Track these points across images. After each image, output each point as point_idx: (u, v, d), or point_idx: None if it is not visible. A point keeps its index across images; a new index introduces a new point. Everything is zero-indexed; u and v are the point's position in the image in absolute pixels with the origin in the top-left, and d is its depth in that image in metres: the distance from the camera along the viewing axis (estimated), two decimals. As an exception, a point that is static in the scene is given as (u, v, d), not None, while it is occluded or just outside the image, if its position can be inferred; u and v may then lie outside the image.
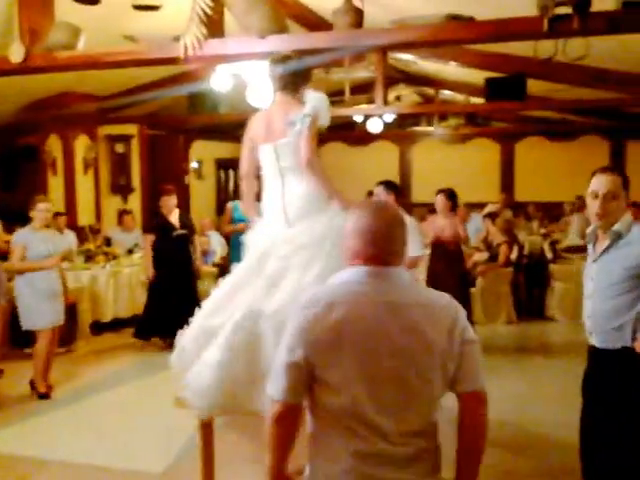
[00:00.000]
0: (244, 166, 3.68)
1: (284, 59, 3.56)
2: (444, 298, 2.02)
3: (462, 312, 2.00)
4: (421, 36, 4.17)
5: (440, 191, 6.69)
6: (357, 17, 4.44)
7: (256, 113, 3.69)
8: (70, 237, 8.41)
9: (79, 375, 6.65)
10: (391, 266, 1.97)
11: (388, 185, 5.83)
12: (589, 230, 3.19)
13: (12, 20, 5.23)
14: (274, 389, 1.98)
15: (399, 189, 6.03)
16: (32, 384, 5.91)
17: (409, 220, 5.67)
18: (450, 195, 6.66)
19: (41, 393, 5.87)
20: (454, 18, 4.03)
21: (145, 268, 7.54)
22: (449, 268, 6.45)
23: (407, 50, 7.72)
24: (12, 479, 4.36)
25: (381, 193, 5.72)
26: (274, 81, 3.57)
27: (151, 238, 7.39)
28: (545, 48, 4.00)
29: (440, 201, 6.58)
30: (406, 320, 1.90)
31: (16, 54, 4.80)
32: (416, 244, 5.45)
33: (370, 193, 11.65)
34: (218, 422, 3.44)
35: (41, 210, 5.72)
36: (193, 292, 7.46)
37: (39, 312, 5.77)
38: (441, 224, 6.59)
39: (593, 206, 3.03)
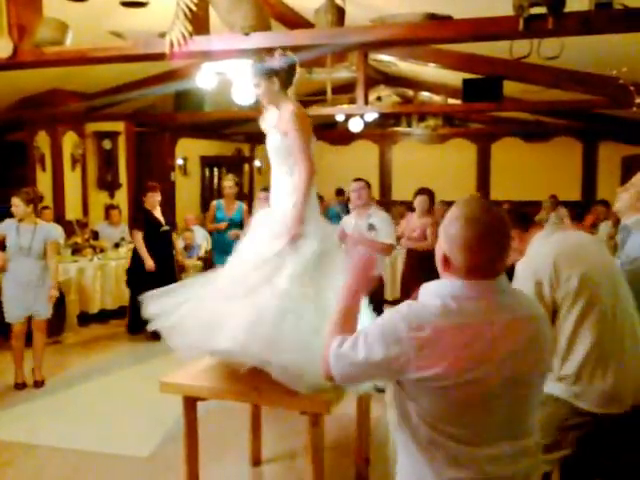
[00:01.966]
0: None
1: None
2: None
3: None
4: (401, 34, 4.19)
5: (422, 191, 6.73)
6: (339, 15, 4.52)
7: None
8: (58, 230, 8.51)
9: (67, 364, 6.75)
10: (496, 277, 1.77)
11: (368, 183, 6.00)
12: None
13: (0, 16, 5.32)
14: (339, 369, 1.85)
15: None
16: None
17: (384, 214, 5.88)
18: (432, 196, 6.75)
19: (16, 383, 5.97)
20: (432, 17, 4.14)
21: (146, 262, 7.53)
22: (419, 268, 6.45)
23: (387, 48, 7.86)
24: (-2, 463, 4.45)
25: (362, 188, 5.86)
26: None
27: (141, 234, 7.52)
28: (521, 50, 4.12)
29: (422, 202, 6.62)
30: (517, 341, 1.74)
31: (4, 49, 4.83)
32: (390, 234, 5.66)
33: (340, 191, 11.84)
34: (202, 408, 3.51)
35: (12, 205, 5.89)
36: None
37: (11, 304, 5.91)
38: (416, 224, 6.65)
39: None
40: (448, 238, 1.76)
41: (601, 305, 2.69)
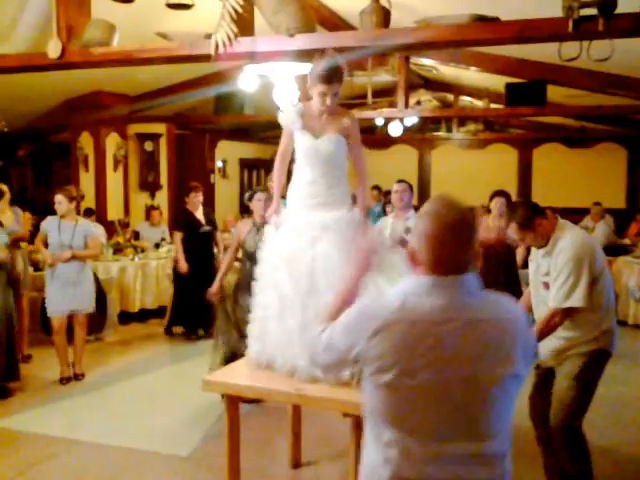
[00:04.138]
0: None
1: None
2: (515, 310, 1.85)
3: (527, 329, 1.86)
4: (446, 36, 4.12)
5: (499, 193, 6.49)
6: (384, 17, 4.49)
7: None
8: (100, 230, 8.66)
9: (108, 362, 6.85)
10: (459, 274, 1.75)
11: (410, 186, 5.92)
12: None
13: (50, 17, 5.42)
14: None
15: None
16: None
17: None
18: (509, 199, 6.55)
19: (61, 378, 6.08)
20: (479, 19, 4.08)
21: (179, 263, 7.53)
22: (498, 270, 6.23)
23: (431, 50, 7.76)
24: (41, 457, 4.50)
25: (404, 190, 5.81)
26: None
27: (180, 235, 7.57)
28: (567, 53, 4.04)
29: (500, 204, 6.34)
30: (474, 342, 1.71)
31: (53, 50, 4.94)
32: None
33: (388, 193, 11.78)
34: (244, 408, 3.53)
35: (55, 202, 6.00)
36: None
37: (52, 300, 6.01)
38: (492, 227, 6.46)
39: None
40: (415, 234, 1.80)
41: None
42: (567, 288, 3.38)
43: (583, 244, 3.46)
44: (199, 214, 7.62)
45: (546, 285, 3.57)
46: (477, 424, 1.73)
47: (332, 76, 3.42)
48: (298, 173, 3.60)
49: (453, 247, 1.73)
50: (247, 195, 5.89)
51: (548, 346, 3.59)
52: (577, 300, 3.37)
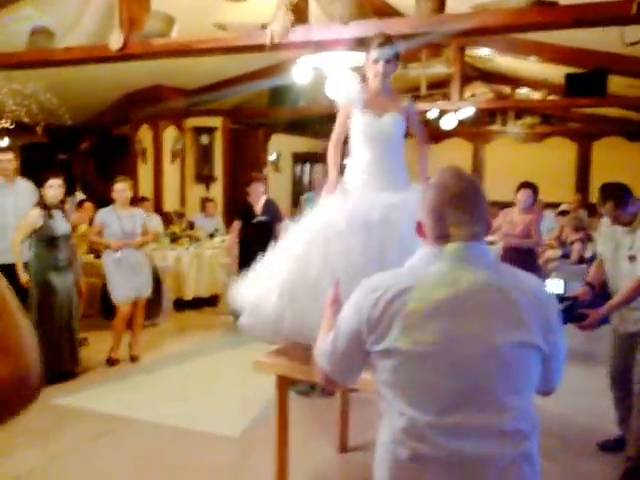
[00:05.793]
0: None
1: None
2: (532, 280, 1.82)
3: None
4: (503, 20, 4.10)
5: (525, 185, 6.36)
6: (439, 3, 4.49)
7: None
8: (155, 220, 8.87)
9: (163, 346, 7.00)
10: (471, 242, 1.73)
11: None
12: None
13: (113, 11, 5.58)
14: (327, 363, 1.91)
15: None
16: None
17: None
18: (536, 191, 6.38)
19: (109, 359, 6.21)
20: (536, 3, 4.03)
21: (228, 249, 7.85)
22: (519, 265, 6.23)
23: (488, 38, 7.66)
24: (100, 432, 4.65)
25: None
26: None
27: (238, 224, 7.70)
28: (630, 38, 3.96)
29: (526, 197, 6.28)
30: (480, 307, 1.67)
31: (115, 41, 5.11)
32: None
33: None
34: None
35: (117, 190, 6.11)
36: None
37: (120, 286, 6.13)
38: (517, 220, 6.33)
39: None
40: (421, 204, 1.81)
41: None
42: None
43: None
44: (259, 205, 7.69)
45: (632, 258, 3.85)
46: (486, 391, 1.65)
47: (384, 42, 3.44)
48: (357, 155, 3.57)
49: (457, 219, 1.72)
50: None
51: (634, 315, 3.93)
52: None
